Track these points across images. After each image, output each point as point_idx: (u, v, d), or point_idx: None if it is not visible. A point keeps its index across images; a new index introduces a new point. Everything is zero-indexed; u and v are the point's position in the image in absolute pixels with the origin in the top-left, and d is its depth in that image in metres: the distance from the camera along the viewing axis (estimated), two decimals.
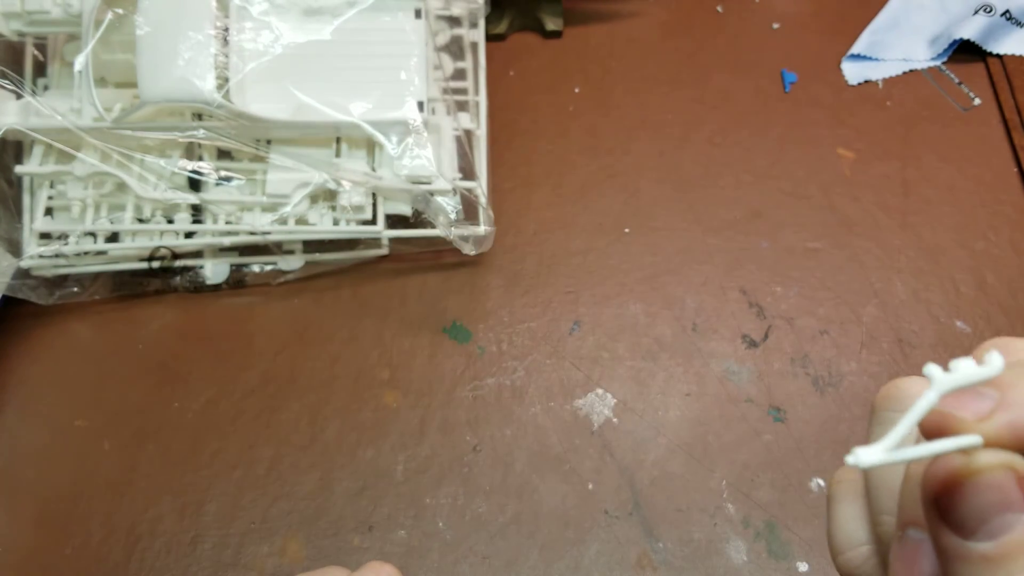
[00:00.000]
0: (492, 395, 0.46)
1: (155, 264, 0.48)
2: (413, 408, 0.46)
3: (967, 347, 0.47)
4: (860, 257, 0.51)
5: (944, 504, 0.17)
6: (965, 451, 0.17)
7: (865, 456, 0.17)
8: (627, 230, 0.52)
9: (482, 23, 0.54)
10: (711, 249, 0.51)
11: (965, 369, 0.17)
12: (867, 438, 0.21)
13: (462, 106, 0.51)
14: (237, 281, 0.50)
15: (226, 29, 0.43)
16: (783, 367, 0.47)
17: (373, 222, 0.47)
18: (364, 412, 0.46)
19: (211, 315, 0.49)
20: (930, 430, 0.18)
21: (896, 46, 0.59)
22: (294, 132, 0.46)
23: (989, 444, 0.17)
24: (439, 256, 0.51)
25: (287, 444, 0.45)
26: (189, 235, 0.47)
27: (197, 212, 0.47)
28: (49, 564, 0.42)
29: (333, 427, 0.46)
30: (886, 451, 0.17)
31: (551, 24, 0.59)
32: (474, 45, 0.53)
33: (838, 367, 0.47)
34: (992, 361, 0.17)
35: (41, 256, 0.46)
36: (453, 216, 0.46)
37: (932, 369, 0.17)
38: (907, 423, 0.17)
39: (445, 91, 0.50)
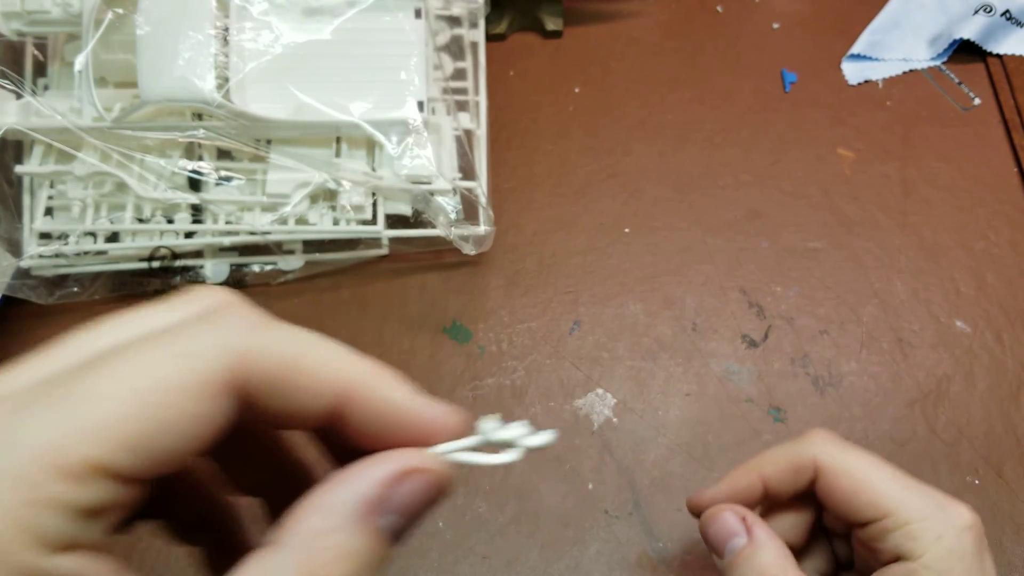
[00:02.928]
0: (492, 395, 0.46)
1: (155, 264, 0.48)
2: None
3: (967, 346, 0.47)
4: (860, 257, 0.51)
5: (704, 536, 0.30)
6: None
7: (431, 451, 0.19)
8: (627, 230, 0.52)
9: (482, 23, 0.54)
10: (711, 249, 0.51)
11: (516, 428, 0.20)
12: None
13: (462, 106, 0.51)
14: (237, 281, 0.50)
15: (226, 29, 0.43)
16: (783, 367, 0.47)
17: (373, 222, 0.47)
18: None
19: None
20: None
21: (896, 46, 0.59)
22: (294, 132, 0.46)
23: (719, 501, 0.30)
24: (439, 256, 0.51)
25: None
26: (189, 235, 0.47)
27: (197, 212, 0.47)
28: None
29: None
30: (441, 452, 0.19)
31: (551, 24, 0.59)
32: (474, 45, 0.53)
33: (838, 367, 0.47)
34: (544, 433, 0.20)
35: (41, 256, 0.46)
36: (453, 216, 0.46)
37: (485, 423, 0.20)
38: (462, 443, 0.19)
39: (445, 91, 0.50)
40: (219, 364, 0.15)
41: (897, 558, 0.26)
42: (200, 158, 0.47)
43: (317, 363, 0.17)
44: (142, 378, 0.15)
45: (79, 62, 0.43)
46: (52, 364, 0.16)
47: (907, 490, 0.27)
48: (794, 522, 0.31)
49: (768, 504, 0.30)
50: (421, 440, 0.18)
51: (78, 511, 0.14)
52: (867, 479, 0.27)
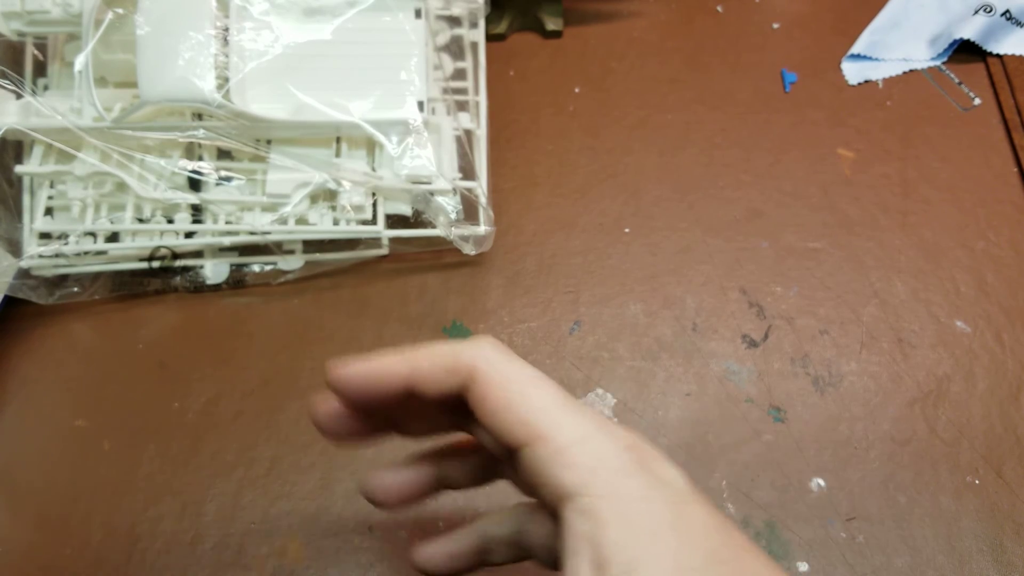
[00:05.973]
0: None
1: (155, 264, 0.49)
2: None
3: (967, 346, 0.47)
4: (860, 257, 0.51)
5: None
6: None
7: None
8: (627, 230, 0.52)
9: (482, 23, 0.54)
10: (711, 249, 0.51)
11: None
12: None
13: (462, 106, 0.51)
14: (237, 281, 0.50)
15: (226, 29, 0.43)
16: (783, 367, 0.47)
17: (373, 222, 0.47)
18: None
19: (211, 315, 0.49)
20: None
21: (896, 46, 0.59)
22: (294, 132, 0.46)
23: (361, 376, 0.28)
24: (439, 256, 0.51)
25: (287, 444, 0.45)
26: (189, 235, 0.48)
27: (197, 212, 0.47)
28: (49, 564, 0.42)
29: None
30: None
31: (551, 24, 0.59)
32: (474, 45, 0.54)
33: (838, 367, 0.47)
34: None
35: (41, 256, 0.46)
36: (453, 216, 0.47)
37: None
38: None
39: (445, 91, 0.50)
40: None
41: (561, 497, 0.24)
42: (200, 158, 0.47)
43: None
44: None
45: (79, 62, 0.44)
46: None
47: (565, 412, 0.24)
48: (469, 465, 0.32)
49: (408, 410, 0.28)
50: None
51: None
52: (522, 394, 0.25)
